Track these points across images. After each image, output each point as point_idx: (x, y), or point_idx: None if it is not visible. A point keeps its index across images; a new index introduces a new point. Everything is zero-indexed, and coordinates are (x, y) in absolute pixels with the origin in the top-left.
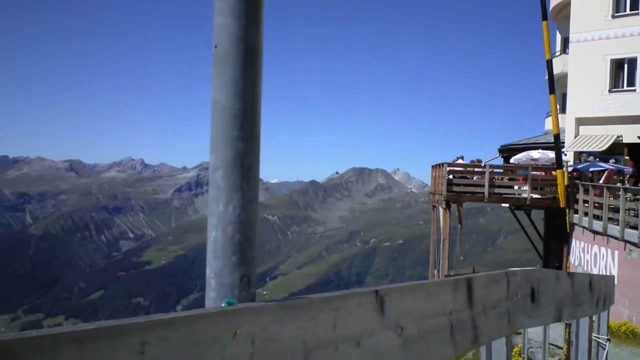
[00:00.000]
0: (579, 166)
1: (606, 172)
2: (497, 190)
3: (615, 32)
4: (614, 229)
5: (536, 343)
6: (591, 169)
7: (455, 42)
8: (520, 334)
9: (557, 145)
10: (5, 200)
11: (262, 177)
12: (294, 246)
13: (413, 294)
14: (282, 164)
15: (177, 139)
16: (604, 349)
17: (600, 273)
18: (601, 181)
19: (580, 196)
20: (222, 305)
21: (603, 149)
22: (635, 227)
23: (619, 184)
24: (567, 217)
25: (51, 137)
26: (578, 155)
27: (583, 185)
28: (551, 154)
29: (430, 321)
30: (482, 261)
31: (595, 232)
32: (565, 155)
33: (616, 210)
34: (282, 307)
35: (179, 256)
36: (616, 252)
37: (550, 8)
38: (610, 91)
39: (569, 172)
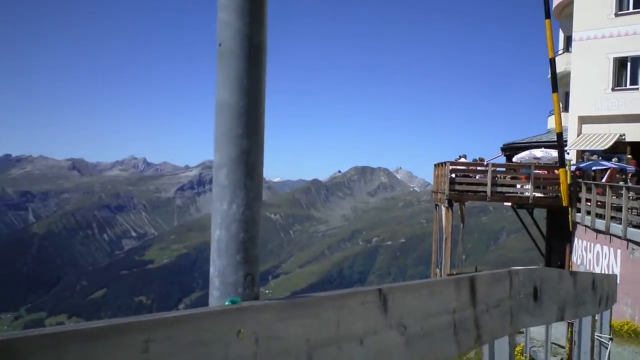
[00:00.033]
0: (581, 165)
1: (609, 170)
2: (499, 189)
3: (618, 30)
4: (616, 228)
5: (538, 342)
6: (594, 168)
7: (457, 40)
8: (522, 333)
9: (559, 143)
10: (8, 198)
11: (265, 175)
12: (296, 245)
13: (416, 293)
14: (284, 162)
15: (179, 138)
16: (607, 348)
17: (603, 272)
18: (604, 180)
19: (583, 195)
20: (226, 303)
21: (606, 147)
22: (637, 226)
23: (621, 183)
24: (569, 216)
25: (54, 136)
26: (581, 153)
27: (586, 184)
28: (554, 153)
29: (433, 320)
30: (484, 260)
31: (598, 231)
32: (568, 154)
33: (619, 209)
34: (285, 305)
35: (181, 255)
36: (619, 251)
37: (554, 6)
38: (613, 89)
39: (571, 171)
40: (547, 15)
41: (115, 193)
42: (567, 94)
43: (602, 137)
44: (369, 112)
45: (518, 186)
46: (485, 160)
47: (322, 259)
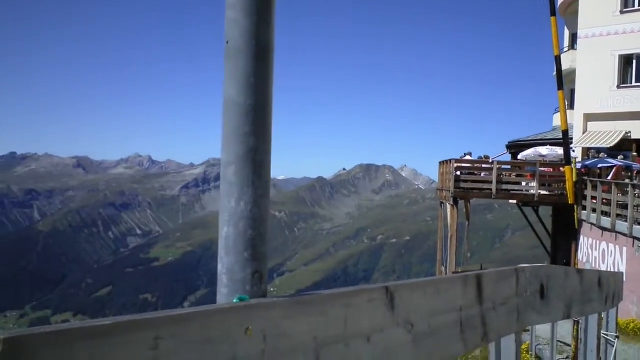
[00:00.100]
0: (587, 162)
1: (615, 168)
2: (505, 187)
3: (624, 27)
4: (622, 226)
5: (544, 340)
6: (599, 165)
7: (463, 37)
8: (528, 331)
9: (565, 141)
10: (14, 196)
11: None
12: (301, 243)
13: (423, 291)
14: (289, 160)
15: (184, 136)
16: (613, 346)
17: (609, 270)
18: (609, 177)
19: (589, 192)
20: (234, 301)
21: (611, 145)
22: None
23: (627, 181)
24: (575, 214)
25: (59, 134)
26: (586, 151)
27: (591, 181)
28: (559, 150)
29: (440, 317)
30: (489, 258)
31: (604, 229)
32: (574, 151)
33: (625, 206)
34: (293, 303)
35: (186, 252)
36: (624, 249)
37: (559, 3)
38: (619, 87)
39: (577, 169)
40: (553, 12)
41: (120, 191)
42: (572, 92)
43: (608, 134)
44: (374, 109)
45: (523, 184)
46: (491, 158)
47: (327, 257)
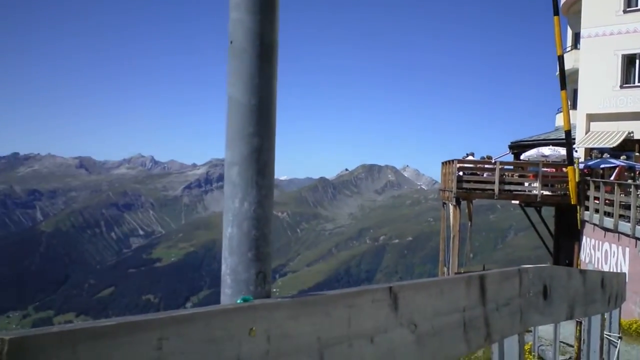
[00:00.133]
0: (590, 163)
1: (617, 168)
2: (507, 187)
3: (626, 27)
4: (625, 226)
5: (546, 341)
6: (602, 166)
7: (465, 37)
8: (531, 331)
9: (568, 141)
10: (16, 197)
11: None
12: (304, 243)
13: (427, 291)
14: (291, 160)
15: (186, 136)
16: (615, 347)
17: (611, 270)
18: (612, 178)
19: (591, 193)
20: (238, 301)
21: (614, 145)
22: None
23: (630, 181)
24: (578, 214)
25: (61, 134)
26: (589, 151)
27: (594, 181)
28: (562, 151)
29: (443, 318)
30: (492, 258)
31: (606, 229)
32: (576, 151)
33: (627, 207)
34: (297, 303)
35: (188, 253)
36: (627, 249)
37: (562, 3)
38: (621, 87)
39: (579, 169)
40: (556, 12)
41: (123, 191)
42: (575, 92)
43: (611, 134)
44: (376, 109)
45: (526, 184)
46: (493, 158)
47: (329, 258)
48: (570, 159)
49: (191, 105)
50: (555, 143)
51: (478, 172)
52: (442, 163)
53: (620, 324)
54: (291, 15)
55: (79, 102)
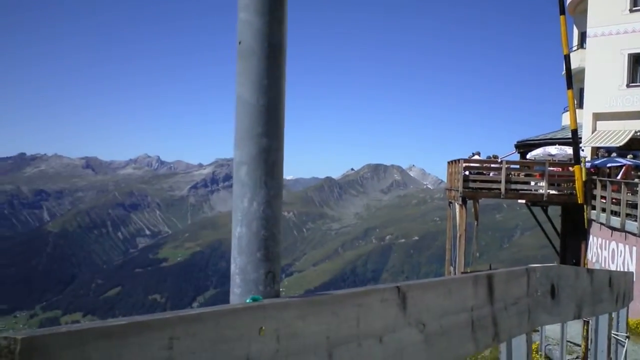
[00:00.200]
0: (596, 162)
1: (624, 167)
2: (513, 187)
3: (633, 26)
4: (631, 225)
5: (554, 340)
6: (609, 165)
7: (472, 36)
8: (538, 331)
9: (575, 140)
10: (23, 197)
11: None
12: (310, 243)
13: (435, 290)
14: (297, 160)
15: (193, 136)
16: (623, 346)
17: (618, 270)
18: (619, 177)
19: (598, 192)
20: (247, 301)
21: (621, 144)
22: None
23: (637, 180)
24: (584, 213)
25: (68, 135)
26: (595, 150)
27: (601, 181)
28: (569, 150)
29: (451, 317)
30: (498, 258)
31: (613, 229)
32: (583, 150)
33: (634, 206)
34: (306, 302)
35: (195, 253)
36: (634, 249)
37: (568, 2)
38: (628, 86)
39: (586, 168)
40: (562, 11)
41: (129, 191)
42: (581, 91)
43: (617, 133)
44: (382, 109)
45: (532, 183)
46: (499, 158)
47: (335, 257)
48: (577, 158)
49: (197, 105)
50: (562, 142)
51: (484, 172)
52: (448, 162)
53: (627, 324)
54: (296, 14)
55: (85, 102)
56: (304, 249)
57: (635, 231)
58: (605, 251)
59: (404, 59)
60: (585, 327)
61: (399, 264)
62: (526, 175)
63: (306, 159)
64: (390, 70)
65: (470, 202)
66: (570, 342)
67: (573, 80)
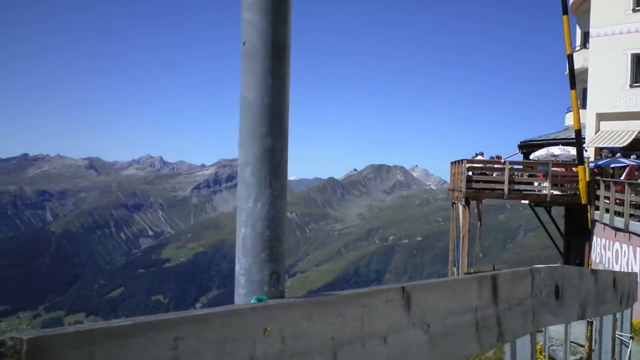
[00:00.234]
0: (600, 162)
1: (628, 168)
2: (517, 187)
3: (636, 26)
4: (635, 226)
5: (557, 341)
6: (612, 165)
7: (474, 36)
8: (541, 332)
9: (578, 140)
10: (26, 198)
11: None
12: (312, 244)
13: (439, 291)
14: (299, 161)
15: (195, 137)
16: (627, 346)
17: (622, 270)
18: (622, 177)
19: (601, 192)
20: (252, 301)
21: (624, 144)
22: None
23: None
24: (588, 214)
25: (71, 135)
26: (599, 151)
27: (604, 181)
28: (572, 150)
29: (456, 318)
30: (501, 258)
31: (617, 229)
32: (586, 151)
33: (638, 206)
34: (311, 303)
35: (197, 253)
36: (638, 249)
37: (570, 2)
38: (631, 86)
39: (590, 168)
40: (565, 11)
41: (132, 192)
42: (584, 91)
43: (621, 134)
44: (385, 109)
45: (536, 184)
46: (503, 158)
47: (338, 258)
48: (580, 159)
49: (200, 106)
50: (565, 142)
51: (487, 172)
52: (451, 163)
53: (632, 324)
54: (296, 11)
55: (88, 103)
56: (306, 250)
57: (639, 232)
58: (609, 252)
59: (407, 59)
60: (589, 328)
61: (402, 265)
62: (529, 176)
63: (309, 160)
64: (394, 71)
65: (473, 203)
66: (574, 343)
67: (576, 81)
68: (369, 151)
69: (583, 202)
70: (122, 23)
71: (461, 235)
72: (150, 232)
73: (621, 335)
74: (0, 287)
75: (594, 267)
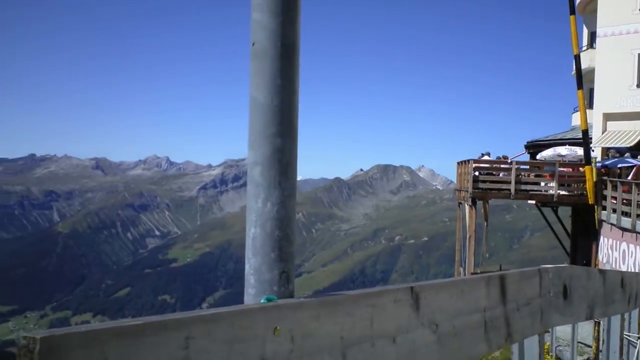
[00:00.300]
0: (607, 162)
1: (635, 168)
2: (523, 187)
3: None
4: None
5: (564, 341)
6: (619, 165)
7: (481, 36)
8: (548, 332)
9: (585, 140)
10: (33, 198)
11: None
12: (319, 244)
13: (447, 291)
14: (306, 161)
15: (202, 137)
16: (635, 347)
17: (629, 270)
18: (630, 177)
19: (609, 192)
20: (262, 301)
21: (631, 144)
22: None
23: None
24: (595, 214)
25: (77, 136)
26: (606, 151)
27: (611, 181)
28: (579, 150)
29: (464, 318)
30: (508, 259)
31: (624, 229)
32: (593, 151)
33: None
34: (320, 303)
35: (204, 254)
36: None
37: (577, 2)
38: (638, 86)
39: (597, 168)
40: (572, 11)
41: (139, 192)
42: (591, 91)
43: (627, 134)
44: (391, 110)
45: (542, 184)
46: (509, 158)
47: (344, 258)
48: (587, 159)
49: (207, 106)
50: (572, 142)
51: (494, 172)
52: (458, 163)
53: (639, 324)
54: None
55: (95, 103)
56: (313, 250)
57: None
58: (616, 252)
59: (413, 59)
60: (596, 328)
61: (408, 265)
62: (536, 176)
63: (315, 160)
64: (402, 71)
65: (479, 203)
66: (581, 343)
67: (583, 80)
68: (375, 151)
69: (590, 202)
70: (131, 22)
71: (468, 236)
72: (157, 232)
73: (629, 336)
74: (7, 286)
75: (601, 267)
